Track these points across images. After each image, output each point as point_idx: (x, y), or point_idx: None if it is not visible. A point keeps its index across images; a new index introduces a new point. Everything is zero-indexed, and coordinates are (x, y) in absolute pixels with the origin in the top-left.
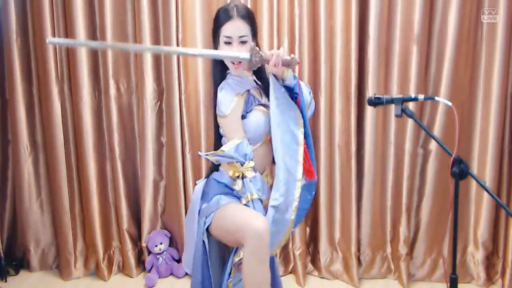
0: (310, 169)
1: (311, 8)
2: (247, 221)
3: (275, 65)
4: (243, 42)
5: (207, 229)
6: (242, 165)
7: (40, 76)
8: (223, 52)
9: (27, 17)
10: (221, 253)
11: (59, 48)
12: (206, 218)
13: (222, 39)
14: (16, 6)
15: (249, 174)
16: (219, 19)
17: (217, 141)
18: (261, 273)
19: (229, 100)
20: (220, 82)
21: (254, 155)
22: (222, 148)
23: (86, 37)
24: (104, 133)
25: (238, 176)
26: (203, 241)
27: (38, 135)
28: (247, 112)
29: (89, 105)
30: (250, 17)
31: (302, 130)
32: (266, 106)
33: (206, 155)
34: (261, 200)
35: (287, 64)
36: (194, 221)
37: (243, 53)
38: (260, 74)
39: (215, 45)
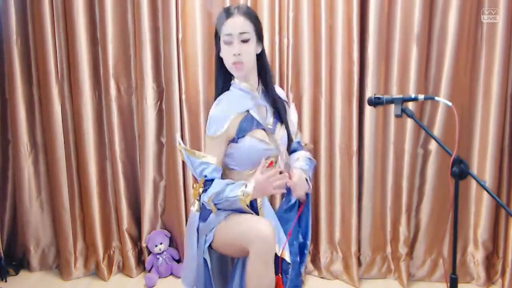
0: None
1: (311, 7)
2: (252, 225)
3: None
4: (245, 41)
5: (210, 245)
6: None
7: (40, 76)
8: None
9: (27, 17)
10: (223, 267)
11: (59, 48)
12: (206, 236)
13: (222, 39)
14: (16, 6)
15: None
16: (220, 19)
17: None
18: (266, 275)
19: (220, 124)
20: (222, 91)
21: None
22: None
23: (86, 37)
24: (104, 133)
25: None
26: (205, 259)
27: (38, 135)
28: (239, 138)
29: (89, 105)
30: (252, 16)
31: None
32: (266, 130)
33: (182, 146)
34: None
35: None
36: (193, 240)
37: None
38: (266, 82)
39: (217, 50)
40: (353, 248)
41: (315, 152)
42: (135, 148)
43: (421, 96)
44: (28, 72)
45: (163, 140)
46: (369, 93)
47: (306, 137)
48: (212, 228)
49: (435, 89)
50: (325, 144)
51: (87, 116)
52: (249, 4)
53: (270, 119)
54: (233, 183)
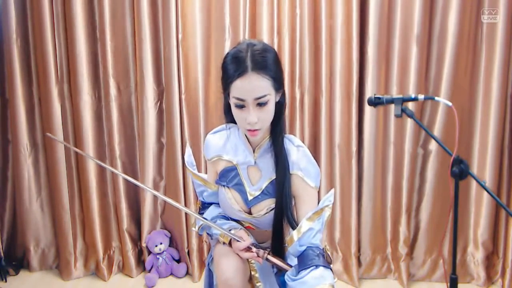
0: None
1: (311, 7)
2: (217, 265)
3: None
4: (262, 105)
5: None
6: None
7: (40, 77)
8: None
9: (27, 17)
10: None
11: (59, 48)
12: (211, 249)
13: (233, 101)
14: (16, 6)
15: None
16: (228, 71)
17: None
18: None
19: (208, 152)
20: (229, 118)
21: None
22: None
23: (85, 37)
24: (104, 133)
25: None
26: (210, 270)
27: (38, 135)
28: (218, 183)
29: (89, 105)
30: (270, 66)
31: None
32: (242, 198)
33: (189, 169)
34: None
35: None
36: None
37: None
38: (276, 138)
39: (225, 98)
40: (353, 248)
41: (315, 152)
42: (135, 148)
43: (421, 96)
44: (28, 72)
45: (163, 140)
46: (369, 93)
47: (306, 138)
48: (212, 249)
49: (435, 89)
50: (325, 144)
51: (87, 116)
52: (248, 4)
53: (256, 191)
54: (222, 220)
